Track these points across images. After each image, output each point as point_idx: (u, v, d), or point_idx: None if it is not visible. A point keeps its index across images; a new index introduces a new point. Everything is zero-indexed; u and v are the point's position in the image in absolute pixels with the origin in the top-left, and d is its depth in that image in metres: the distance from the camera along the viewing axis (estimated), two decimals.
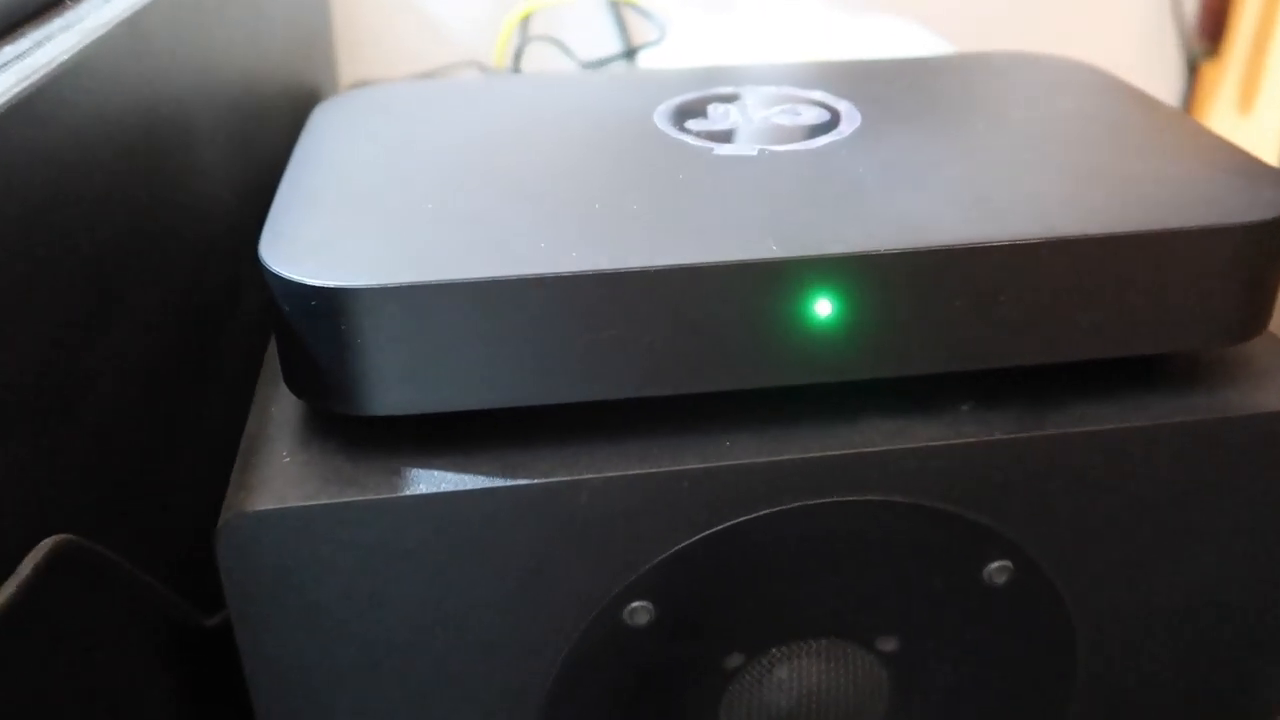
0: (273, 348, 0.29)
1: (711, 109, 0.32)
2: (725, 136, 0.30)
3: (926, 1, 0.61)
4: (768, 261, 0.24)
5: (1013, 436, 0.26)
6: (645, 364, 0.25)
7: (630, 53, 0.55)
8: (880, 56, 0.48)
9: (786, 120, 0.31)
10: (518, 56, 0.53)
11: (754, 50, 0.48)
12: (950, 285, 0.25)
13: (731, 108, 0.32)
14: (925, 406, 0.27)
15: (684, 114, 0.32)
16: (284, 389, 0.27)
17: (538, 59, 0.55)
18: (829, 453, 0.26)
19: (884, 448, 0.26)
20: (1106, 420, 0.27)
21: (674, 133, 0.30)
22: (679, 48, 0.50)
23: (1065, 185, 0.27)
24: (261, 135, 0.40)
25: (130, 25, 0.28)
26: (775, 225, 0.25)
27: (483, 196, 0.27)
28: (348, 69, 0.60)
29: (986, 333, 0.26)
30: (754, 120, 0.31)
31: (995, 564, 0.28)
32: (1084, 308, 0.26)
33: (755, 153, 0.29)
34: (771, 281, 0.24)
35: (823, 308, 0.25)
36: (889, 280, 0.25)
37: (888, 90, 0.34)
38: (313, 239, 0.25)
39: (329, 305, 0.24)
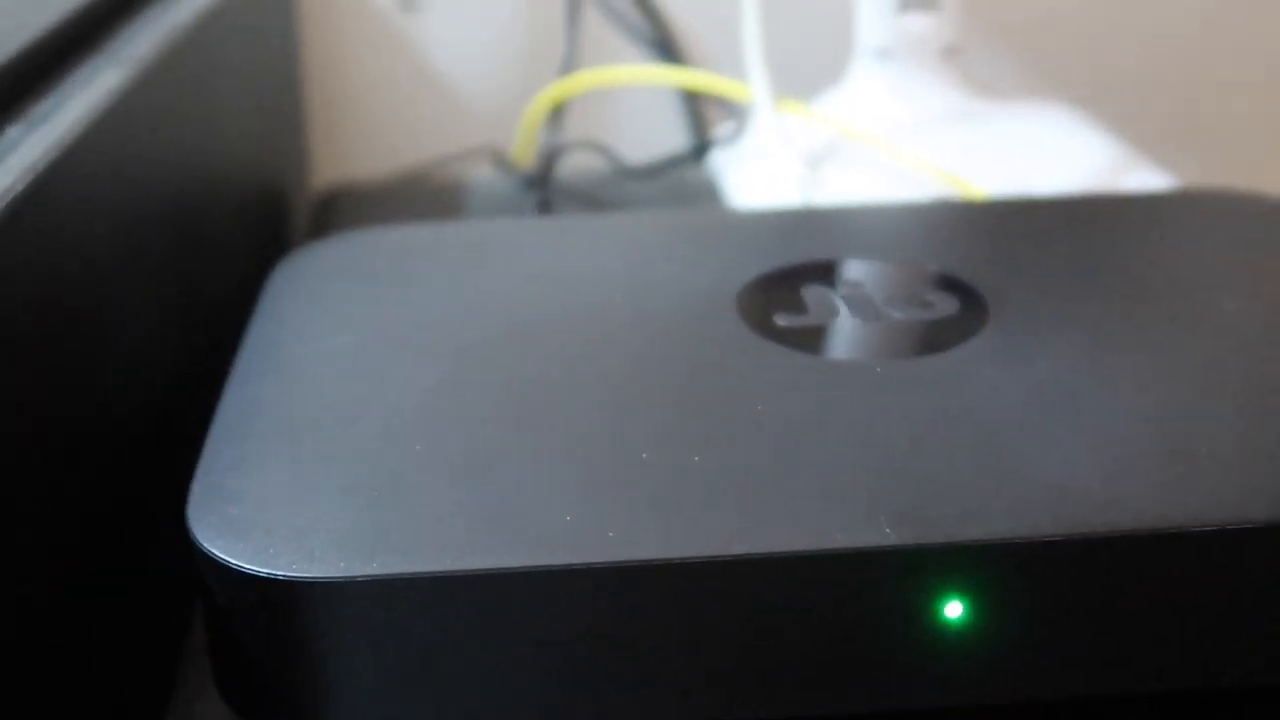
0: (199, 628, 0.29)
1: (808, 293, 0.32)
2: (825, 340, 0.30)
3: (1103, 85, 0.62)
4: (881, 551, 0.24)
5: None
6: (717, 683, 0.25)
7: (699, 150, 0.56)
8: (1033, 167, 0.49)
9: (908, 314, 0.31)
10: (549, 159, 0.54)
11: (862, 155, 0.49)
12: (1141, 582, 0.25)
13: (832, 291, 0.32)
14: None
15: (772, 299, 0.32)
16: (213, 692, 0.26)
17: (578, 155, 0.56)
18: None
19: None
20: None
21: (760, 333, 0.30)
22: (764, 144, 0.51)
23: None
24: (205, 296, 0.40)
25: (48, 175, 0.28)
26: (891, 493, 0.25)
27: (497, 434, 0.27)
28: (324, 161, 0.62)
29: (1195, 644, 0.25)
30: (863, 310, 0.31)
31: None
32: None
33: (874, 369, 0.29)
34: (885, 576, 0.24)
35: (952, 609, 0.25)
36: (1048, 573, 0.24)
37: (1048, 257, 0.34)
38: (268, 500, 0.25)
39: (292, 603, 0.24)
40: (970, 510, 0.25)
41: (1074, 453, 0.26)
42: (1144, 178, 0.48)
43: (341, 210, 0.57)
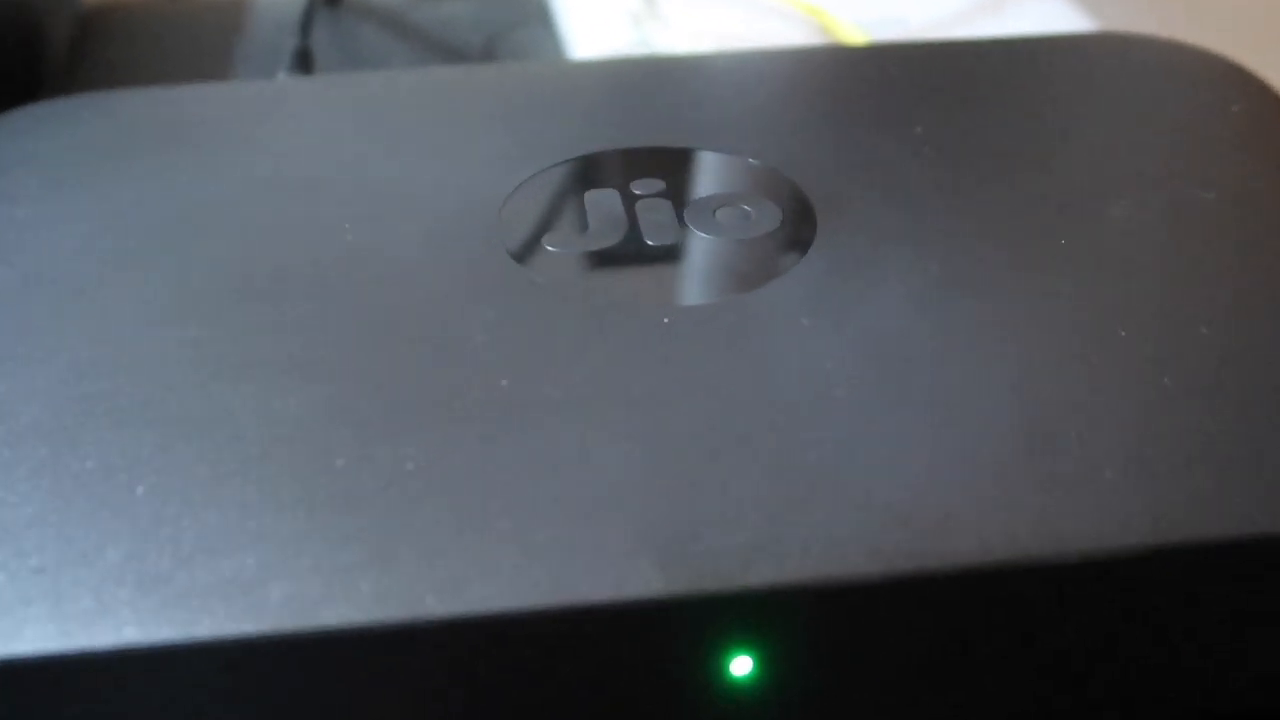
0: None
1: (592, 200, 0.26)
2: (601, 275, 0.24)
3: None
4: (646, 604, 0.18)
5: None
6: None
7: None
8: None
9: (715, 231, 0.25)
10: None
11: None
12: (981, 627, 0.20)
13: (622, 197, 0.26)
14: None
15: (544, 209, 0.25)
16: None
17: None
18: None
19: None
20: None
21: (523, 264, 0.24)
22: None
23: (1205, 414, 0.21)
24: None
25: None
26: (659, 522, 0.19)
27: (149, 438, 0.20)
28: None
29: (1032, 690, 0.20)
30: (658, 227, 0.25)
31: None
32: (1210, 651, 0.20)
33: (661, 318, 0.22)
34: (652, 633, 0.19)
35: (740, 665, 0.20)
36: (859, 620, 0.19)
37: (908, 139, 0.27)
38: None
39: None
40: (759, 542, 0.19)
41: (900, 454, 0.20)
42: (1046, 7, 0.41)
43: (108, 34, 0.49)
